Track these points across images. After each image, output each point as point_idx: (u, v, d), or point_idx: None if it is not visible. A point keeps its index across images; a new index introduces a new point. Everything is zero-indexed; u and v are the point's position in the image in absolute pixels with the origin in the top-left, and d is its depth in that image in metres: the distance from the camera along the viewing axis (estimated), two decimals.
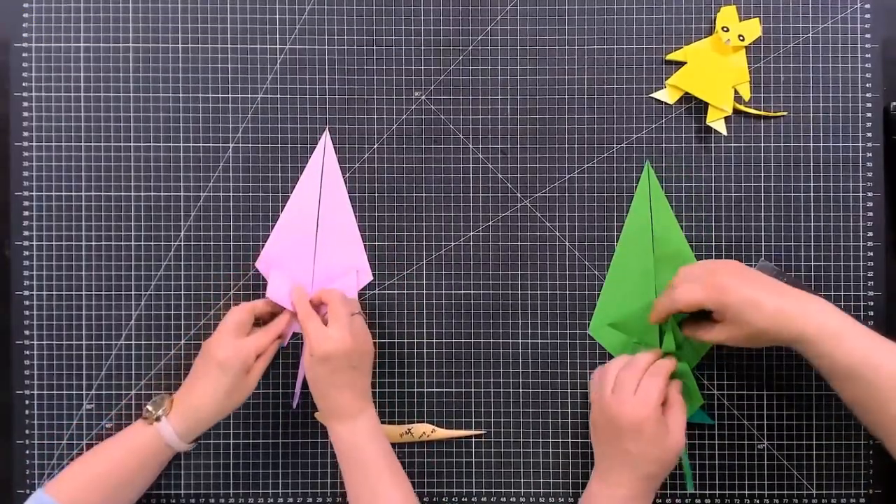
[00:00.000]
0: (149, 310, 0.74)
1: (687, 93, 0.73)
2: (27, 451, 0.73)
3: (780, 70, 0.74)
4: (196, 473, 0.73)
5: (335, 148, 0.74)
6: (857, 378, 0.59)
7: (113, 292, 0.74)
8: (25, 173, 0.74)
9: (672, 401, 0.66)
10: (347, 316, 0.66)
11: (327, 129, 0.74)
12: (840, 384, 0.61)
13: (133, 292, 0.74)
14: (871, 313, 0.73)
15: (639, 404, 0.63)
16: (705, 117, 0.73)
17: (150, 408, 0.66)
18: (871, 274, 0.73)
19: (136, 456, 0.65)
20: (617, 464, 0.63)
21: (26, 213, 0.74)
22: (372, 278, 0.74)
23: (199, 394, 0.66)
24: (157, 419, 0.65)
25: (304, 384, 0.72)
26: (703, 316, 0.66)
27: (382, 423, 0.69)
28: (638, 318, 0.72)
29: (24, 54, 0.74)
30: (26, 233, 0.74)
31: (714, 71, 0.73)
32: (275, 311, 0.70)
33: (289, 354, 0.73)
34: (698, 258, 0.73)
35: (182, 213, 0.74)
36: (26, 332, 0.73)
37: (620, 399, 0.63)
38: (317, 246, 0.73)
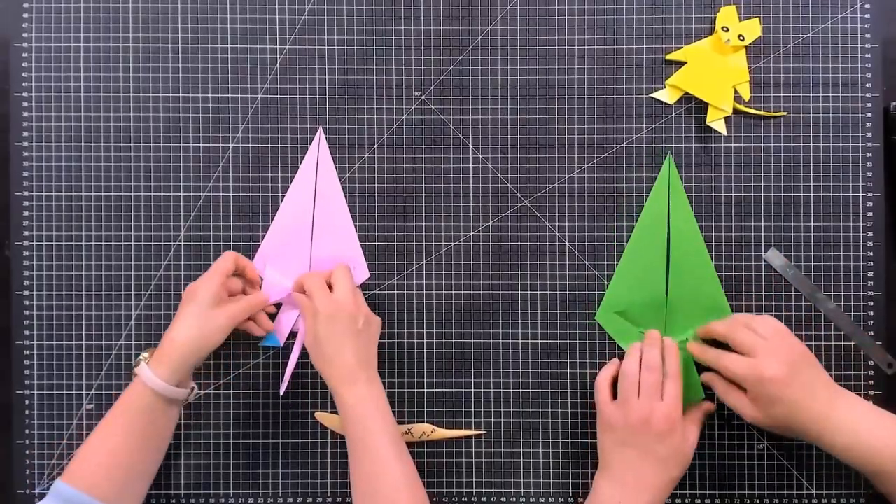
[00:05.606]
0: (149, 310, 0.74)
1: (687, 93, 0.73)
2: (27, 451, 0.73)
3: (780, 70, 0.74)
4: (196, 473, 0.73)
5: (335, 148, 0.74)
6: (888, 473, 0.60)
7: (113, 292, 0.74)
8: (25, 173, 0.74)
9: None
10: (352, 281, 0.68)
11: (321, 127, 0.74)
12: (873, 479, 0.62)
13: (133, 292, 0.74)
14: (871, 313, 0.73)
15: (669, 408, 0.64)
16: (705, 117, 0.73)
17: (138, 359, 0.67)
18: (871, 274, 0.73)
19: (137, 414, 0.64)
20: (646, 467, 0.64)
21: (26, 213, 0.74)
22: (369, 275, 0.74)
23: (174, 326, 0.66)
24: (138, 365, 0.65)
25: (294, 370, 0.72)
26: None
27: None
28: (645, 307, 0.72)
29: (24, 54, 0.74)
30: (26, 233, 0.73)
31: (714, 71, 0.73)
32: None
33: (287, 347, 0.74)
34: None
35: (182, 213, 0.74)
36: (26, 332, 0.73)
37: (650, 403, 0.64)
38: (312, 244, 0.73)
